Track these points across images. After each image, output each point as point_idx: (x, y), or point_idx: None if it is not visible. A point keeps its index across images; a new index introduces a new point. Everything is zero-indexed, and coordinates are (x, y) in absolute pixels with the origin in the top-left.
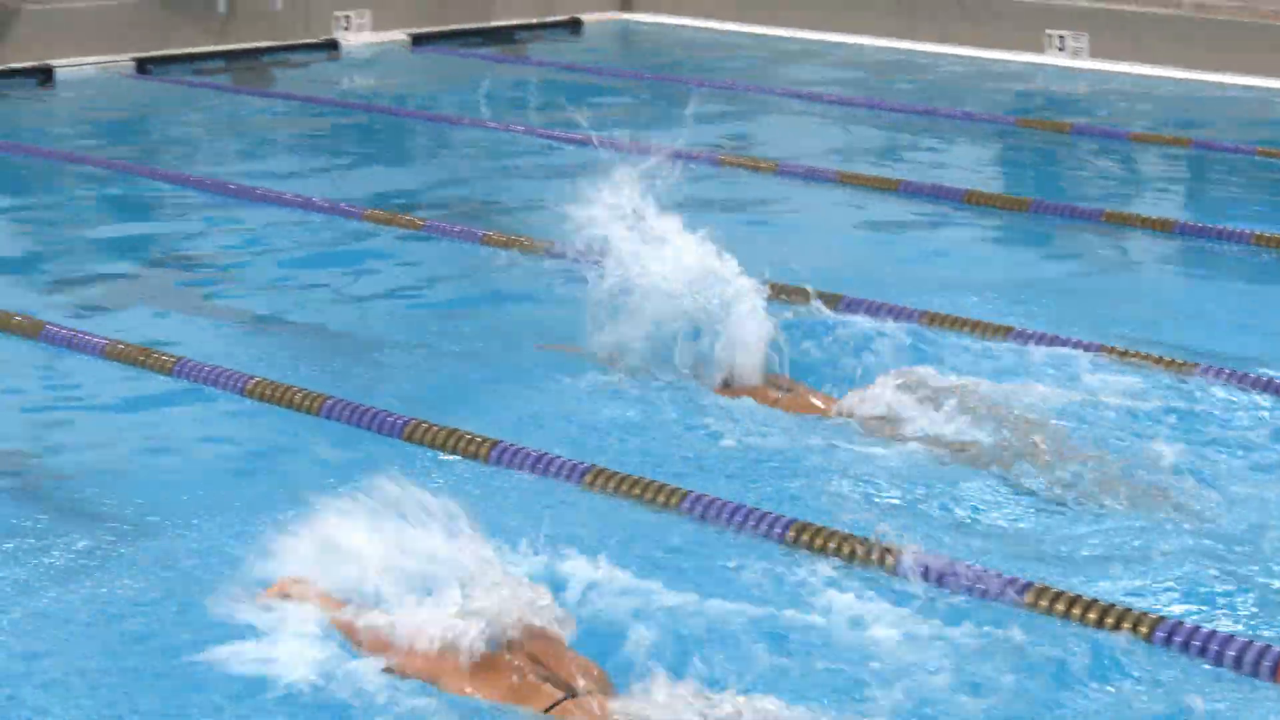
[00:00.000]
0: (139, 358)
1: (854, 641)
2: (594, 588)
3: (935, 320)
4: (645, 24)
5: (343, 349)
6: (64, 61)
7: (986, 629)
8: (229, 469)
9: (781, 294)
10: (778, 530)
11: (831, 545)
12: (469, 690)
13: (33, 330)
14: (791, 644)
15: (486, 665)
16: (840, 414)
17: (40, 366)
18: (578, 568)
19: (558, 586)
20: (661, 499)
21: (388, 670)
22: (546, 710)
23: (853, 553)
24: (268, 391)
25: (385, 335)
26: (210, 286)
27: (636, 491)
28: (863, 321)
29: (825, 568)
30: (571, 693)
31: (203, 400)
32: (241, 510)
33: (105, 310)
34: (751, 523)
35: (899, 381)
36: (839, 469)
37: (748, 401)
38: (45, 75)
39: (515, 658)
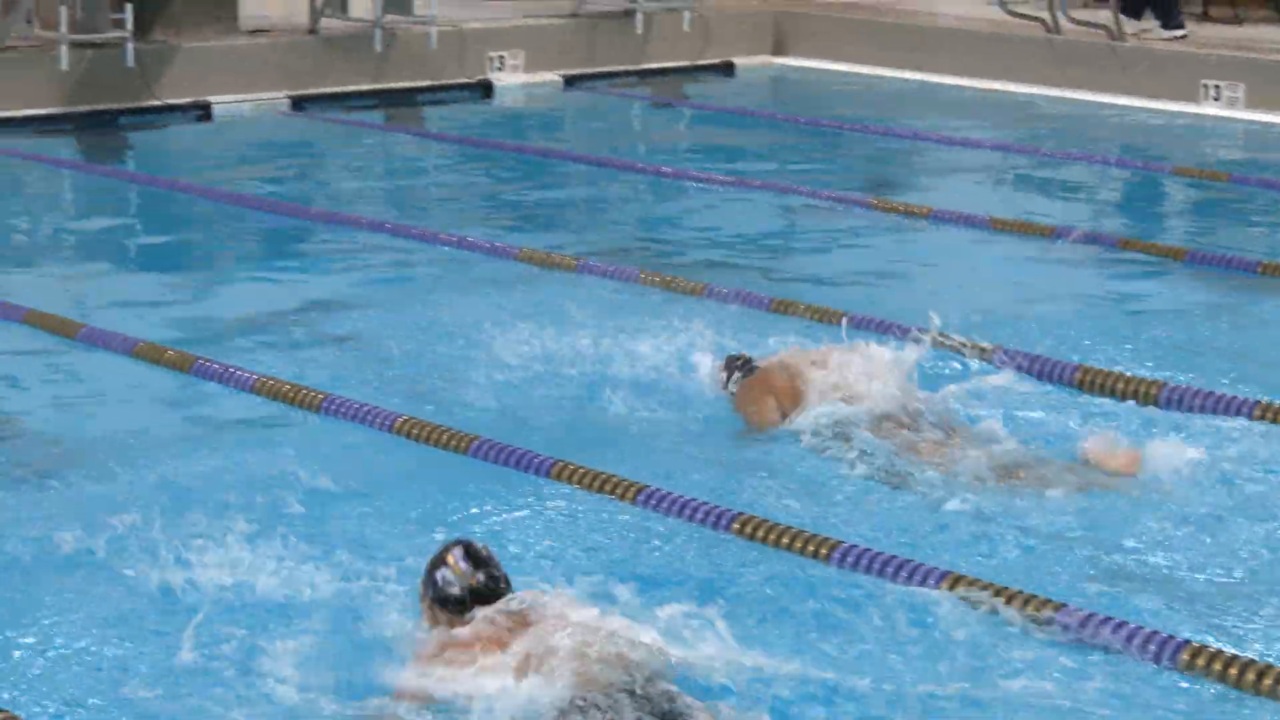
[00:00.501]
0: (289, 394)
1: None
2: (733, 636)
3: (1089, 375)
4: (797, 68)
5: (493, 388)
6: (222, 98)
7: None
8: (374, 506)
9: (936, 341)
10: (931, 581)
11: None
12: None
13: (184, 364)
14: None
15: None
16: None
17: (192, 401)
18: (721, 615)
19: (701, 633)
20: (812, 547)
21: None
22: None
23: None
24: (415, 430)
25: (536, 375)
26: (359, 324)
27: (785, 541)
28: (1014, 372)
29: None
30: None
31: (350, 437)
32: (394, 545)
33: (256, 346)
34: (904, 573)
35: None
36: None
37: (886, 445)
38: (203, 111)
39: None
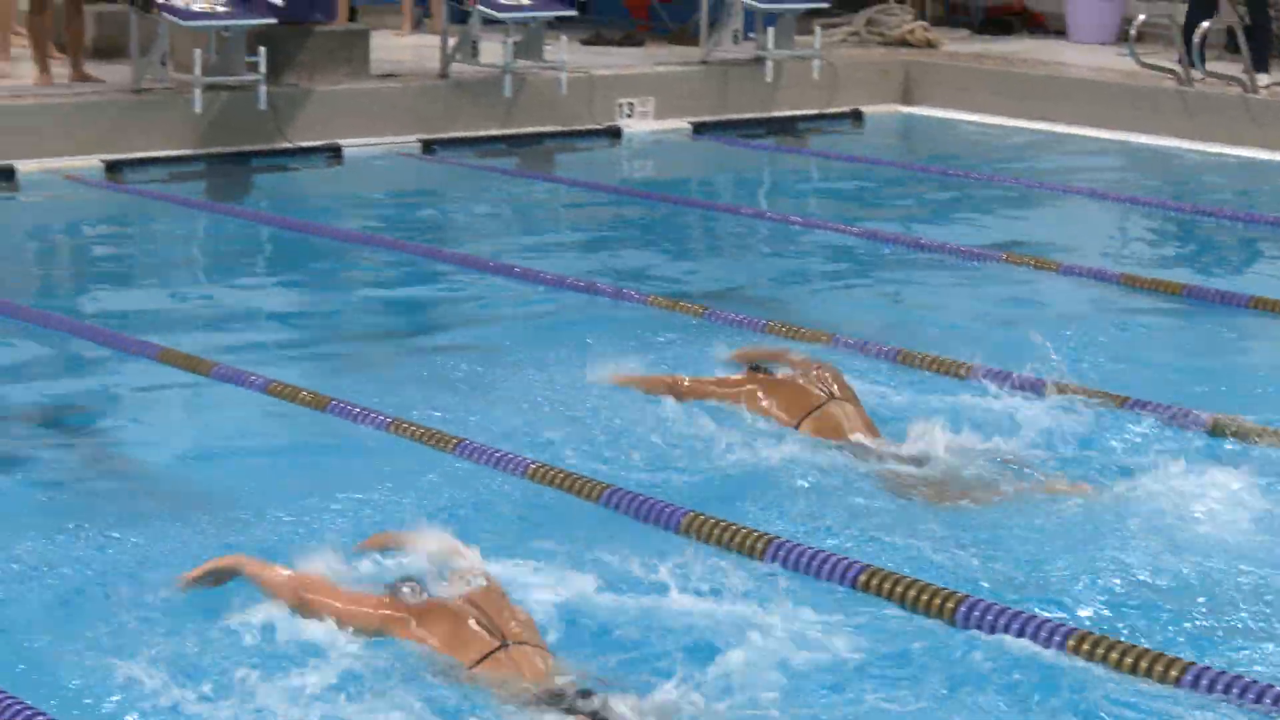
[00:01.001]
0: (423, 436)
1: None
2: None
3: (1219, 425)
4: (926, 117)
5: (628, 436)
6: (352, 141)
7: None
8: (503, 548)
9: (1068, 393)
10: (1057, 639)
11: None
12: (414, 635)
13: (318, 404)
14: None
15: (429, 611)
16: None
17: (328, 442)
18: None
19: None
20: (937, 602)
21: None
22: (479, 660)
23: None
24: (549, 476)
25: (670, 423)
26: (492, 368)
27: (913, 595)
28: (1149, 425)
29: None
30: (504, 642)
31: (483, 482)
32: (521, 592)
33: (387, 388)
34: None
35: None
36: None
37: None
38: (334, 154)
39: (456, 605)
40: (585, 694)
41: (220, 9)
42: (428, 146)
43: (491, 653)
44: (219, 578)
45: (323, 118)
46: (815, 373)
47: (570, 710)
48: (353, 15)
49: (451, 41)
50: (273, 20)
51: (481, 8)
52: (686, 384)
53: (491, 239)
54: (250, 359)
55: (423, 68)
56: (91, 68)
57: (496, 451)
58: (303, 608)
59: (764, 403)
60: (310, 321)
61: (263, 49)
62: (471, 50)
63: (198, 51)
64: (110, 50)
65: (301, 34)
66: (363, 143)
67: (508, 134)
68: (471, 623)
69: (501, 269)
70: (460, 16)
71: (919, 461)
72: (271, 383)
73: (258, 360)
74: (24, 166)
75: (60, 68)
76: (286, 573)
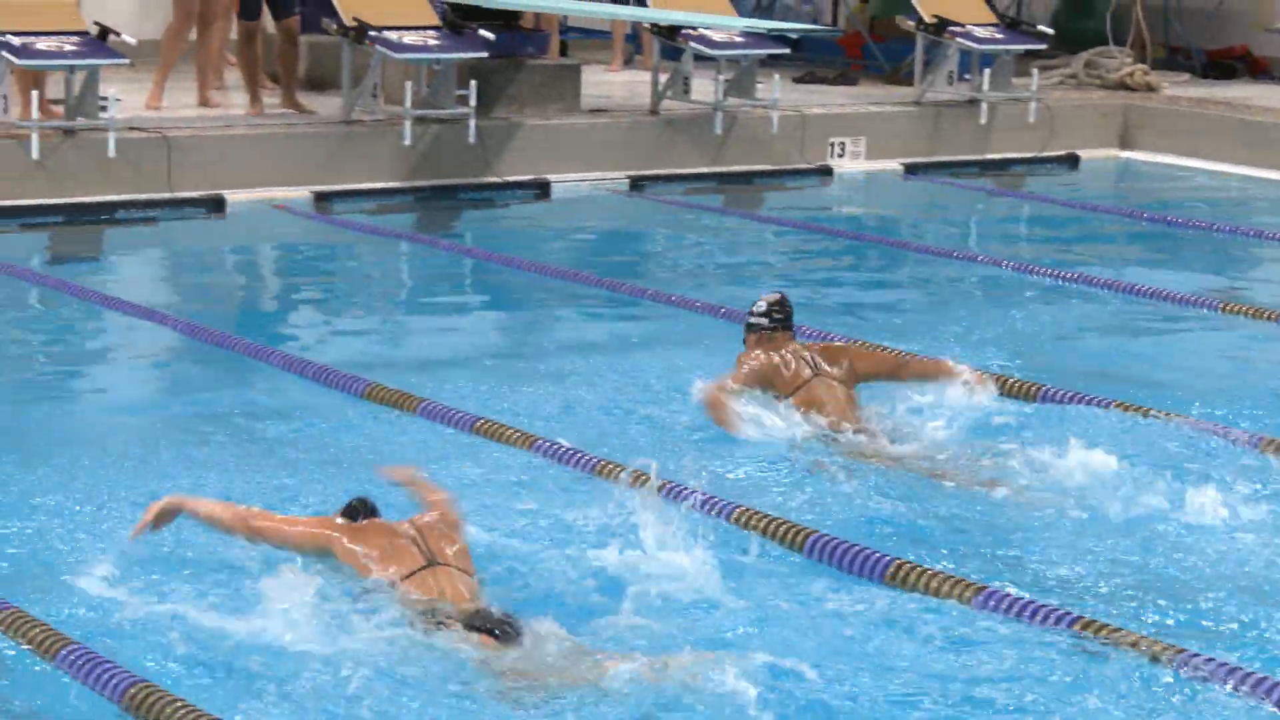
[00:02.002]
0: (609, 472)
1: None
2: None
3: None
4: (1145, 163)
5: (825, 478)
6: (560, 176)
7: None
8: (681, 595)
9: None
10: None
11: None
12: (347, 550)
13: (525, 443)
14: None
15: (365, 529)
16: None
17: (535, 482)
18: None
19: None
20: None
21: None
22: (405, 576)
23: None
24: (753, 521)
25: (868, 463)
26: (693, 409)
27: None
28: None
29: None
30: (432, 561)
31: (687, 525)
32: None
33: (597, 429)
34: None
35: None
36: None
37: None
38: (542, 189)
39: (393, 525)
40: (500, 617)
41: (432, 42)
42: (636, 183)
43: (417, 570)
44: (160, 521)
45: (531, 152)
46: (808, 353)
47: (479, 628)
48: (564, 50)
49: (663, 78)
50: (484, 54)
51: (694, 44)
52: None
53: (698, 278)
54: (457, 395)
55: (633, 104)
56: (303, 98)
57: (675, 487)
58: (252, 535)
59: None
60: (516, 357)
61: (473, 82)
62: (683, 87)
63: (409, 84)
64: (322, 81)
65: (512, 68)
66: (571, 178)
67: (717, 172)
68: (404, 541)
69: (708, 308)
70: (672, 53)
71: (890, 439)
72: (478, 420)
73: (463, 396)
74: (233, 196)
75: (271, 98)
76: (230, 506)
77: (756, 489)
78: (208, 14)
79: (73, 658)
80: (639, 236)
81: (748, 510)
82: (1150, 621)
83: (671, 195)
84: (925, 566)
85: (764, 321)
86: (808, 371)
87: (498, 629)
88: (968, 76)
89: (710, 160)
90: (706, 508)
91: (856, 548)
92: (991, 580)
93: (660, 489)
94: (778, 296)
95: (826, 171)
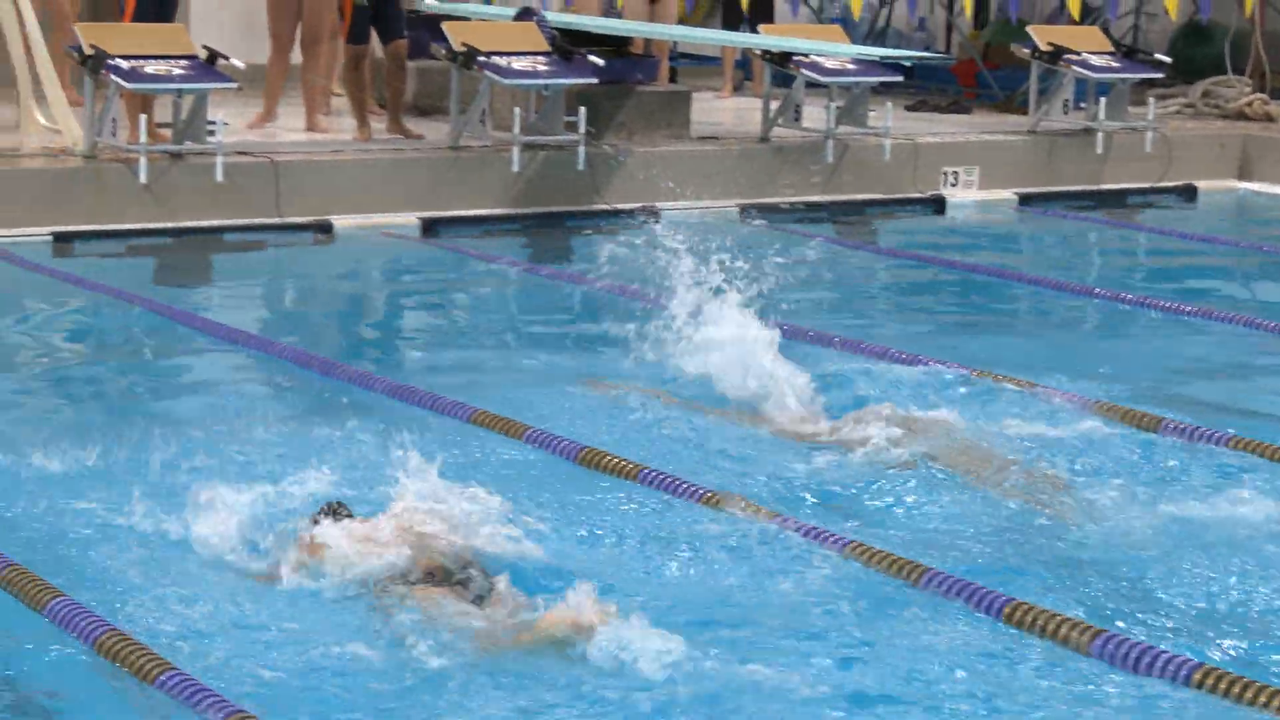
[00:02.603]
0: (723, 504)
1: None
2: None
3: None
4: (1264, 194)
5: (943, 517)
6: (670, 204)
7: None
8: (829, 635)
9: None
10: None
11: None
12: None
13: (630, 473)
14: None
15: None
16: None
17: (649, 511)
18: None
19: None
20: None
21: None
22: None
23: None
24: (865, 555)
25: (990, 500)
26: (807, 447)
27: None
28: None
29: None
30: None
31: (802, 561)
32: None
33: (702, 463)
34: None
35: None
36: None
37: None
38: (652, 216)
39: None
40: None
41: (541, 68)
42: (746, 211)
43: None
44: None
45: (640, 180)
46: None
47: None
48: (674, 76)
49: (773, 105)
50: (593, 80)
51: (806, 71)
52: None
53: (808, 309)
54: (561, 423)
55: (743, 131)
56: (410, 124)
57: (814, 529)
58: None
59: None
60: (619, 384)
61: (582, 109)
62: (794, 114)
63: (517, 110)
64: (430, 107)
65: (622, 94)
66: (681, 205)
67: (828, 200)
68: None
69: (820, 338)
70: (783, 79)
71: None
72: (583, 449)
73: (568, 424)
74: (341, 222)
75: (379, 123)
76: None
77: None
78: (310, 38)
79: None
80: (747, 264)
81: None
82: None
83: (782, 224)
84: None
85: None
86: None
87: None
88: (1083, 105)
89: (821, 189)
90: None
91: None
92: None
93: (768, 516)
94: None
95: (939, 201)
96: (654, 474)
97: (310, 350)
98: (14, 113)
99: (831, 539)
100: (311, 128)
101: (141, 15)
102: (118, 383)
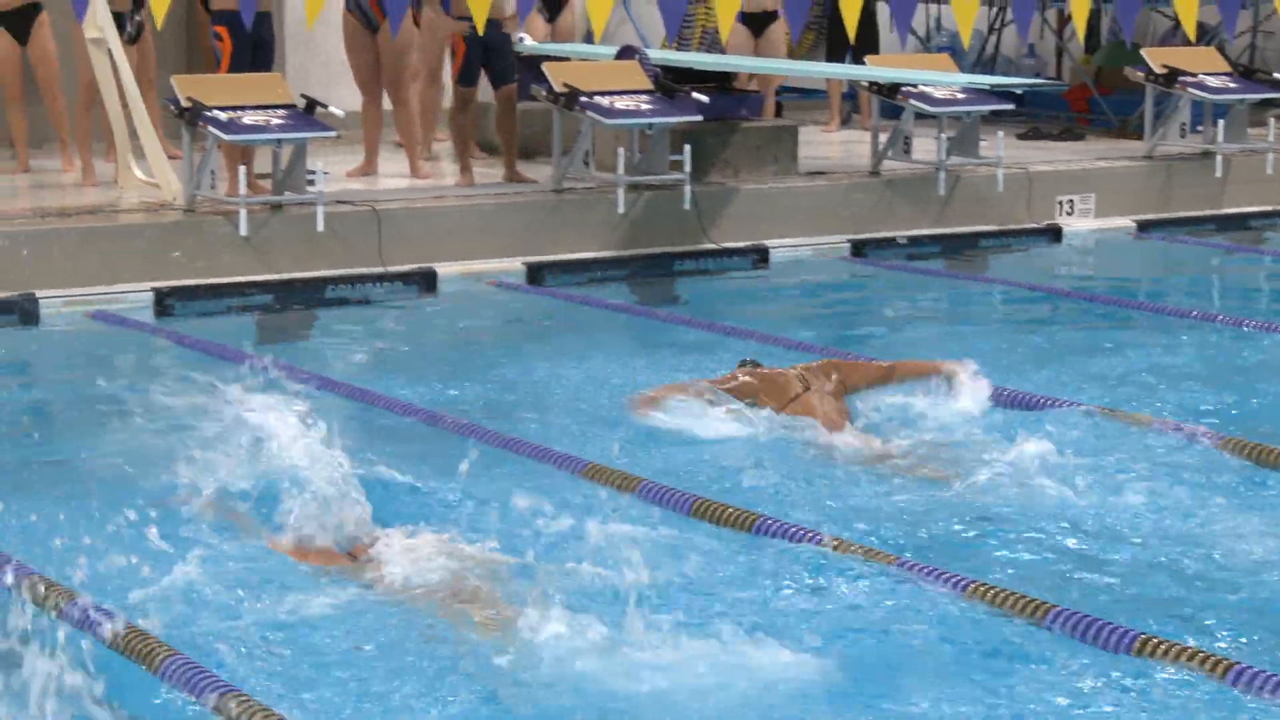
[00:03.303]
0: (847, 549)
1: None
2: None
3: None
4: None
5: (1072, 555)
6: (779, 242)
7: None
8: (941, 668)
9: None
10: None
11: None
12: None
13: (744, 524)
14: None
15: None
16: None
17: (763, 563)
18: None
19: None
20: None
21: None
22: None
23: None
24: (988, 594)
25: (1112, 543)
26: (944, 490)
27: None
28: None
29: None
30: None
31: (917, 597)
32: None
33: (817, 506)
34: None
35: None
36: None
37: None
38: (760, 256)
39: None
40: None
41: (644, 106)
42: (857, 247)
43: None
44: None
45: (748, 218)
46: (801, 370)
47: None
48: (779, 111)
49: (883, 137)
50: (698, 117)
51: (914, 102)
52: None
53: (924, 345)
54: (673, 474)
55: (851, 164)
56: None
57: (933, 570)
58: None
59: (760, 396)
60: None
61: (687, 147)
62: (903, 146)
63: (621, 150)
64: (531, 149)
65: (727, 131)
66: (790, 243)
67: (940, 233)
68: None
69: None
70: (892, 111)
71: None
72: (696, 500)
73: (680, 474)
74: (445, 269)
75: (482, 167)
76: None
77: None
78: (393, 83)
79: None
80: (861, 303)
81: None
82: None
83: (894, 259)
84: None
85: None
86: (799, 386)
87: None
88: (1200, 128)
89: (933, 221)
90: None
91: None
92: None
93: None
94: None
95: (1055, 231)
96: (770, 520)
97: (416, 402)
98: (111, 167)
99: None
100: (415, 174)
101: (237, 65)
102: (215, 442)
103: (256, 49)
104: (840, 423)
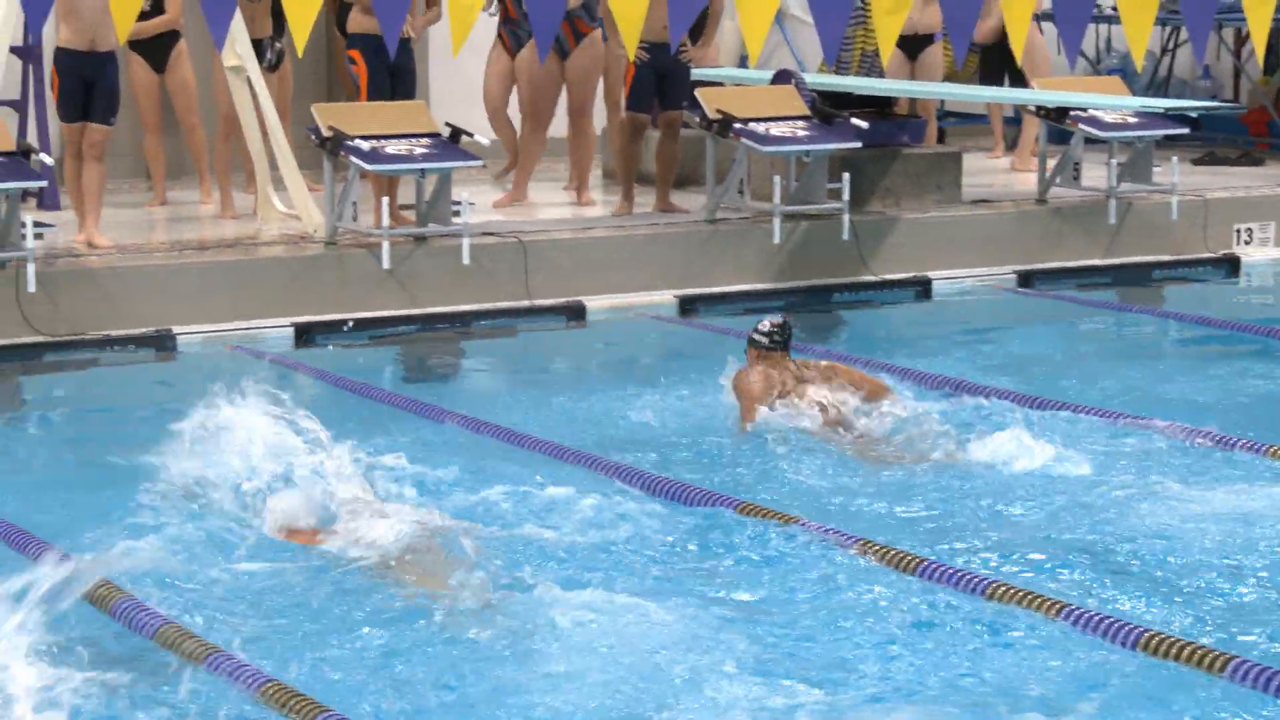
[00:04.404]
0: (1019, 598)
1: None
2: None
3: None
4: None
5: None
6: (942, 273)
7: None
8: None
9: None
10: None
11: None
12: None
13: (908, 566)
14: None
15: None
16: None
17: (919, 606)
18: None
19: None
20: None
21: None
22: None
23: None
24: (1160, 646)
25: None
26: (1089, 522)
27: None
28: None
29: None
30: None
31: (1014, 625)
32: None
33: (965, 546)
34: None
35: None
36: None
37: None
38: (923, 288)
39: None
40: None
41: (801, 133)
42: (1024, 278)
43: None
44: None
45: (910, 248)
46: (800, 368)
47: None
48: (942, 137)
49: (1050, 163)
50: (857, 144)
51: (1084, 126)
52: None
53: (1094, 381)
54: (839, 514)
55: (1017, 192)
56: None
57: (1026, 593)
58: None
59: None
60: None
61: (846, 175)
62: (1072, 173)
63: (776, 178)
64: (683, 178)
65: (887, 158)
66: (953, 275)
67: (1112, 264)
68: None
69: (1106, 414)
70: (1060, 136)
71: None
72: (857, 540)
73: (847, 516)
74: (594, 303)
75: (640, 196)
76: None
77: None
78: (578, 110)
79: None
80: (1029, 336)
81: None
82: None
83: (1063, 291)
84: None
85: (765, 341)
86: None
87: None
88: None
89: (1104, 251)
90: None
91: None
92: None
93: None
94: (781, 320)
95: (1232, 261)
96: (934, 564)
97: (566, 443)
98: (250, 199)
99: None
100: (584, 202)
101: (376, 91)
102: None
103: (396, 76)
104: (840, 420)
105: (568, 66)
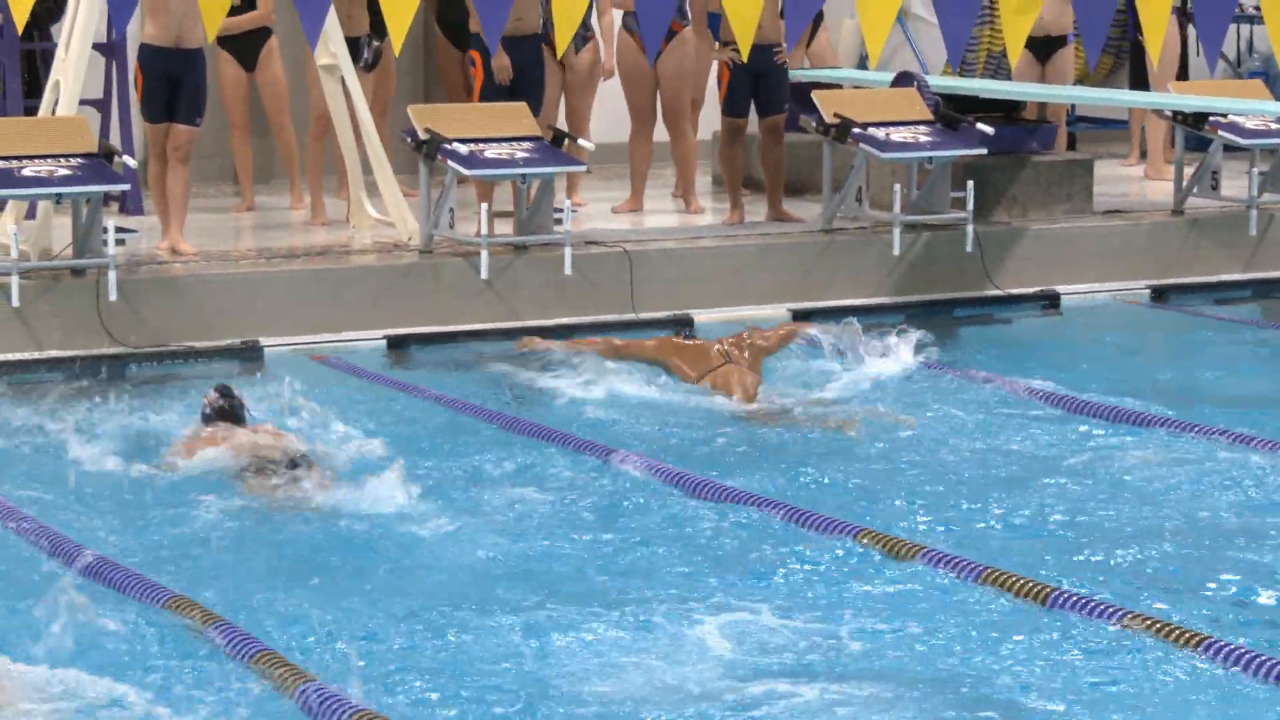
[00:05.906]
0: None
1: None
2: None
3: None
4: None
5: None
6: (1072, 287)
7: None
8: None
9: None
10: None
11: None
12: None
13: (1040, 596)
14: None
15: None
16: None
17: (1049, 633)
18: None
19: None
20: None
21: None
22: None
23: None
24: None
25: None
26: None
27: None
28: None
29: None
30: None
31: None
32: None
33: (1097, 571)
34: None
35: None
36: None
37: None
38: (1051, 302)
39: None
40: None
41: (923, 139)
42: (1159, 293)
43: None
44: None
45: (1037, 261)
46: (727, 345)
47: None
48: (1073, 143)
49: (1188, 172)
50: (982, 151)
51: (1223, 133)
52: (620, 345)
53: (1233, 404)
54: (951, 540)
55: (1153, 202)
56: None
57: (1099, 605)
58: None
59: (675, 361)
60: (1020, 492)
61: (970, 183)
62: (1211, 182)
63: (897, 186)
64: (799, 185)
65: (1014, 165)
66: (1084, 289)
67: (1252, 279)
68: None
69: (1241, 439)
70: (1198, 143)
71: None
72: (984, 569)
73: (960, 541)
74: (701, 317)
75: (751, 204)
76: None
77: None
78: (672, 112)
79: None
80: (1163, 355)
81: None
82: None
83: (1200, 306)
84: None
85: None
86: (719, 360)
87: None
88: None
89: (1244, 265)
90: None
91: None
92: None
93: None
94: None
95: None
96: (1064, 593)
97: (668, 462)
98: (343, 205)
99: None
100: (693, 209)
101: (491, 95)
102: (464, 506)
103: (519, 75)
104: (753, 395)
105: (658, 66)
